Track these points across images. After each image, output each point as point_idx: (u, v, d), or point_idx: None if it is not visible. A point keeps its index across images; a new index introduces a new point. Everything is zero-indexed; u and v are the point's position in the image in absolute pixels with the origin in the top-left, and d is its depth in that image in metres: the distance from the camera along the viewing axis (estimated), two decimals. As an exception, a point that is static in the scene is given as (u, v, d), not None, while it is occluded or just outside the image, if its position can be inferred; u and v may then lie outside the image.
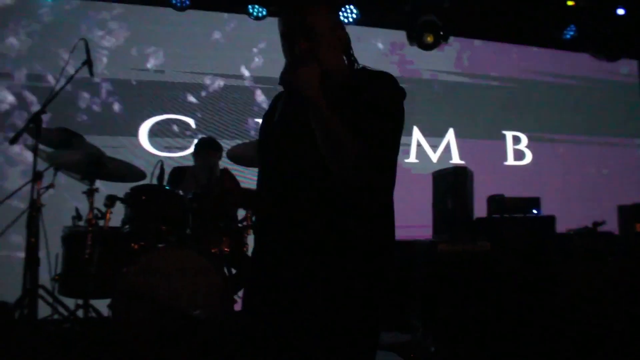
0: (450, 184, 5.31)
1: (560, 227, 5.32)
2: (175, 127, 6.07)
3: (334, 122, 1.56)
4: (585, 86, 7.60)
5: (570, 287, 4.94)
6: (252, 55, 6.35)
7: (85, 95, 5.81)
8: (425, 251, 4.88)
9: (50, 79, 5.68)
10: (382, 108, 1.69)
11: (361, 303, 1.63)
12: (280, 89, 1.69)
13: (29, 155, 5.30)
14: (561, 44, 7.12)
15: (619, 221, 5.84)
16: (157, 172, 4.09)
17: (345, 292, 1.62)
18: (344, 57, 1.88)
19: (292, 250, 1.68)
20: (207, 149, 4.83)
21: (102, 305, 3.81)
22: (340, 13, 6.03)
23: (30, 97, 5.67)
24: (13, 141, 3.68)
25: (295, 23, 1.76)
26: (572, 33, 6.91)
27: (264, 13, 5.82)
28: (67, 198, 4.89)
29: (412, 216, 6.36)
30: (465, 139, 6.99)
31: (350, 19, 6.06)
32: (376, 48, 6.76)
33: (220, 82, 6.24)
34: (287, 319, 1.65)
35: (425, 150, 6.85)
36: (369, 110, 1.67)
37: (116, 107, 5.91)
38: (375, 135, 1.65)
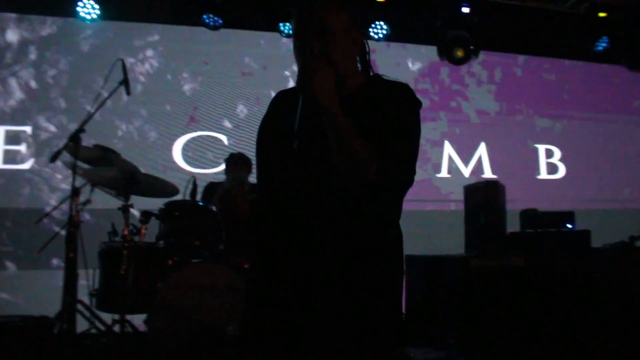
0: (483, 198, 5.27)
1: (596, 241, 5.24)
2: (208, 144, 6.17)
3: (350, 133, 1.51)
4: (620, 98, 7.48)
5: (608, 303, 4.84)
6: (286, 77, 6.42)
7: (122, 117, 5.95)
8: (457, 267, 4.84)
9: (90, 103, 5.83)
10: (404, 125, 1.64)
11: (389, 313, 1.63)
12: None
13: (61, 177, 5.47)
14: (593, 56, 7.04)
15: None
16: (190, 188, 4.15)
17: (376, 302, 1.60)
18: (359, 62, 1.80)
19: (320, 261, 1.60)
20: (236, 164, 4.91)
21: (138, 321, 3.88)
22: (370, 29, 6.07)
23: (71, 124, 5.83)
24: (53, 159, 3.80)
25: (309, 22, 1.67)
26: (604, 45, 6.83)
27: None
28: (103, 214, 5.00)
29: (444, 231, 6.33)
30: (497, 152, 6.94)
31: (380, 35, 6.11)
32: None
33: (253, 106, 6.30)
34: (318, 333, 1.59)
35: (457, 164, 6.82)
36: (390, 127, 1.62)
37: (151, 125, 6.03)
38: (398, 155, 1.60)
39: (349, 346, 1.54)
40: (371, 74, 1.81)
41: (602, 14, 6.57)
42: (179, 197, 4.29)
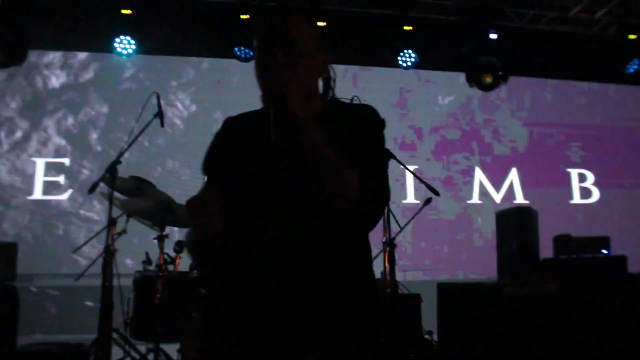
0: (515, 224, 5.23)
1: (633, 267, 5.13)
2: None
3: (328, 146, 1.49)
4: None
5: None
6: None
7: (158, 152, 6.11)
8: (490, 294, 4.78)
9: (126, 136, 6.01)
10: (378, 146, 1.66)
11: (375, 331, 1.62)
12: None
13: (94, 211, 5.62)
14: (625, 79, 6.97)
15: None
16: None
17: (363, 320, 1.58)
18: (320, 84, 1.74)
19: (319, 262, 1.56)
20: None
21: (172, 350, 3.93)
22: (399, 58, 6.14)
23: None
24: (91, 190, 3.92)
25: (276, 33, 1.61)
26: (635, 67, 6.76)
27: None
28: (137, 243, 5.11)
29: (475, 257, 6.29)
30: (529, 178, 6.88)
31: (409, 63, 6.16)
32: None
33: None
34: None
35: (487, 190, 6.78)
36: (364, 147, 1.60)
37: (183, 162, 6.16)
38: (376, 173, 1.60)
39: (350, 346, 1.53)
40: (329, 97, 1.76)
41: (632, 36, 6.52)
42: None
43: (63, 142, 6.12)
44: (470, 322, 4.90)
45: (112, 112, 6.20)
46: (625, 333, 4.62)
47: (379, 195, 1.61)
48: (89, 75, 6.28)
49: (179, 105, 6.35)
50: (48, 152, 6.06)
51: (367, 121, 1.68)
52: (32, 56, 6.00)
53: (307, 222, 1.57)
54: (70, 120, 6.16)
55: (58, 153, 6.08)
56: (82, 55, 6.29)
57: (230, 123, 1.80)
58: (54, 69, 6.20)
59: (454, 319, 5.06)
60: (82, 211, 6.00)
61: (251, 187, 1.62)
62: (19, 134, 6.07)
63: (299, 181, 1.57)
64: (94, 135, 6.18)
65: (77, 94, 6.22)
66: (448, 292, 5.24)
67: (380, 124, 1.69)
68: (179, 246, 4.07)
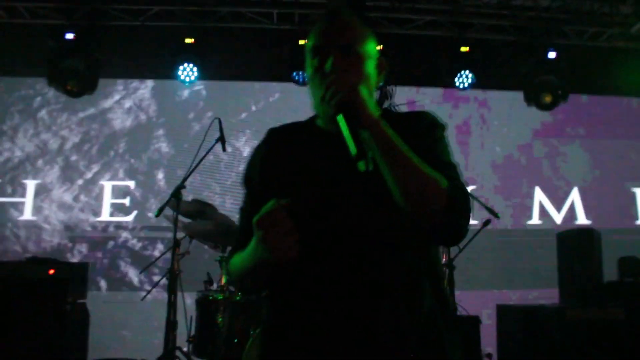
0: (576, 246, 5.13)
1: None
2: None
3: (407, 150, 1.34)
4: None
5: None
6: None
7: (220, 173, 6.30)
8: (552, 317, 4.68)
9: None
10: (448, 151, 1.53)
11: None
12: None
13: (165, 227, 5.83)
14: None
15: None
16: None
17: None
18: (377, 91, 1.64)
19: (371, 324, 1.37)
20: None
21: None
22: (456, 79, 6.14)
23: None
24: (158, 214, 4.10)
25: (333, 36, 1.50)
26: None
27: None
28: (200, 263, 5.27)
29: (535, 280, 6.15)
30: (591, 197, 6.70)
31: (466, 84, 6.15)
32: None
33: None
34: None
35: (548, 210, 6.64)
36: (438, 154, 1.48)
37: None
38: (455, 177, 1.43)
39: None
40: (385, 106, 1.66)
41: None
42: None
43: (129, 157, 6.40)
44: (531, 346, 4.81)
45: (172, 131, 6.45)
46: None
47: (467, 202, 1.41)
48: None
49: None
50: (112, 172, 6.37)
51: (430, 127, 1.55)
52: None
53: (382, 257, 1.40)
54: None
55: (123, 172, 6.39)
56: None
57: (276, 135, 1.65)
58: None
59: (515, 342, 4.97)
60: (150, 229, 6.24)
61: (321, 208, 1.42)
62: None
63: (379, 202, 1.38)
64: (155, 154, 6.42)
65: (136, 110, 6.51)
66: (508, 314, 5.17)
67: (442, 127, 1.56)
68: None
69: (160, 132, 6.48)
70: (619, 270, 5.21)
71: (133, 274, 6.08)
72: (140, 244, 6.21)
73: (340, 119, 1.34)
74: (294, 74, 5.69)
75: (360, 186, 1.41)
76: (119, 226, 6.25)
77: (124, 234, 6.22)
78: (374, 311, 1.37)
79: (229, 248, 4.34)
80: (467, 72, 6.05)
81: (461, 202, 1.38)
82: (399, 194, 1.34)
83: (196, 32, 6.03)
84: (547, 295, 5.21)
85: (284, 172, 1.52)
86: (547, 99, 6.06)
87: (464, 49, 5.93)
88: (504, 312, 5.19)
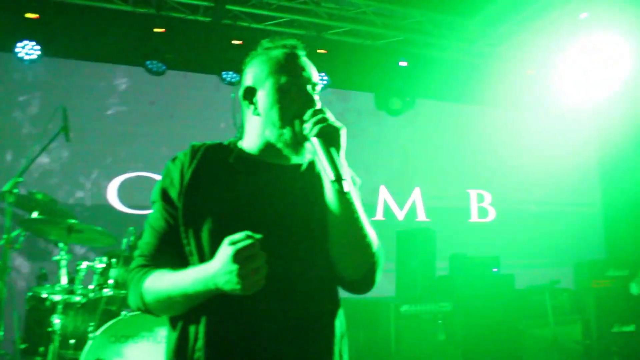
0: (414, 243, 5.50)
1: (520, 283, 5.51)
2: (147, 184, 6.07)
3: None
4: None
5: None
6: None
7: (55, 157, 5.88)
8: (389, 311, 4.99)
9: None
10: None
11: None
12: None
13: None
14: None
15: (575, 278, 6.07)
16: (130, 239, 4.14)
17: None
18: None
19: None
20: None
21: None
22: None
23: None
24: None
25: (306, 70, 1.59)
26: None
27: (237, 79, 5.93)
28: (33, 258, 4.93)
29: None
30: (431, 197, 7.16)
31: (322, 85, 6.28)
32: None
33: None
34: None
35: (391, 208, 6.99)
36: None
37: (85, 167, 5.96)
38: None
39: None
40: None
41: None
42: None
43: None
44: (371, 337, 5.12)
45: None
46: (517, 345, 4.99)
47: (383, 261, 1.55)
48: None
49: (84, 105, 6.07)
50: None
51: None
52: None
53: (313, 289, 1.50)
54: None
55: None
56: None
57: (202, 154, 1.59)
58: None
59: (357, 332, 5.25)
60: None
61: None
62: None
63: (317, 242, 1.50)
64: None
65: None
66: (350, 307, 5.43)
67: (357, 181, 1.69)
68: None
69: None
70: (450, 265, 5.65)
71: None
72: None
73: (321, 142, 1.41)
74: (148, 62, 5.48)
75: (299, 221, 1.49)
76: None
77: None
78: (306, 329, 1.47)
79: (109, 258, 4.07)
80: (322, 74, 6.18)
81: (381, 262, 1.51)
82: (343, 244, 1.47)
83: (40, 7, 5.54)
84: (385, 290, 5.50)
85: (216, 199, 1.50)
86: (397, 105, 6.36)
87: (321, 51, 6.04)
88: (344, 305, 5.43)
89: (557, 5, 5.63)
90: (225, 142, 1.65)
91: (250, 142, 1.60)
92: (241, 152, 1.61)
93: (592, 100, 6.86)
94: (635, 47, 5.74)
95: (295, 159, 1.58)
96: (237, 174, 1.55)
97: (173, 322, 1.51)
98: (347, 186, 1.36)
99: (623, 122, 7.59)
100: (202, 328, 1.43)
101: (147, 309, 1.49)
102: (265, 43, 1.64)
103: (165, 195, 1.56)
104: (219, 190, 1.52)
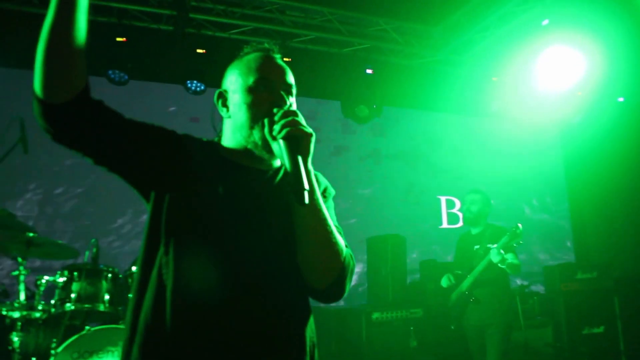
0: (385, 250, 5.49)
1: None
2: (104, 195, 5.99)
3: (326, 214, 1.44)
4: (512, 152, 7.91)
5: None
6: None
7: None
8: (360, 318, 4.97)
9: None
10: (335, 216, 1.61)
11: None
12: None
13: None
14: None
15: (545, 281, 6.14)
16: (93, 250, 4.05)
17: None
18: None
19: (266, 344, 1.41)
20: None
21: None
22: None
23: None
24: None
25: (281, 73, 1.59)
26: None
27: (202, 88, 5.82)
28: None
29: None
30: (401, 203, 7.18)
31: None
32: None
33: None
34: None
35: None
36: (334, 219, 1.55)
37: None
38: (345, 242, 1.52)
39: None
40: None
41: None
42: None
43: None
44: (344, 344, 5.08)
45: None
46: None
47: (354, 269, 1.53)
48: None
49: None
50: None
51: (327, 191, 1.64)
52: None
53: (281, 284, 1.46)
54: None
55: None
56: None
57: (190, 143, 1.56)
58: None
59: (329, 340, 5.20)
60: None
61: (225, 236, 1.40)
62: None
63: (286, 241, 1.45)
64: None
65: None
66: (324, 315, 5.39)
67: (333, 193, 1.67)
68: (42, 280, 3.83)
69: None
70: (421, 272, 5.66)
71: None
72: None
73: (287, 146, 1.37)
74: (110, 72, 5.36)
75: (267, 227, 1.45)
76: None
77: None
78: (277, 339, 1.42)
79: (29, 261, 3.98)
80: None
81: (351, 270, 1.49)
82: (310, 252, 1.43)
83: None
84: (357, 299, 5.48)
85: (196, 176, 1.47)
86: (364, 112, 6.37)
87: (286, 59, 5.99)
88: (315, 313, 5.39)
89: (519, 13, 5.72)
90: (205, 139, 1.63)
91: (226, 144, 1.59)
92: (223, 149, 1.59)
93: (556, 106, 6.99)
94: (592, 54, 5.85)
95: (269, 162, 1.56)
96: (215, 172, 1.51)
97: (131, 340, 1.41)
98: (307, 197, 1.32)
99: (586, 127, 7.74)
100: (168, 338, 1.36)
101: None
102: (245, 49, 1.65)
103: (166, 136, 1.53)
104: (200, 182, 1.47)
